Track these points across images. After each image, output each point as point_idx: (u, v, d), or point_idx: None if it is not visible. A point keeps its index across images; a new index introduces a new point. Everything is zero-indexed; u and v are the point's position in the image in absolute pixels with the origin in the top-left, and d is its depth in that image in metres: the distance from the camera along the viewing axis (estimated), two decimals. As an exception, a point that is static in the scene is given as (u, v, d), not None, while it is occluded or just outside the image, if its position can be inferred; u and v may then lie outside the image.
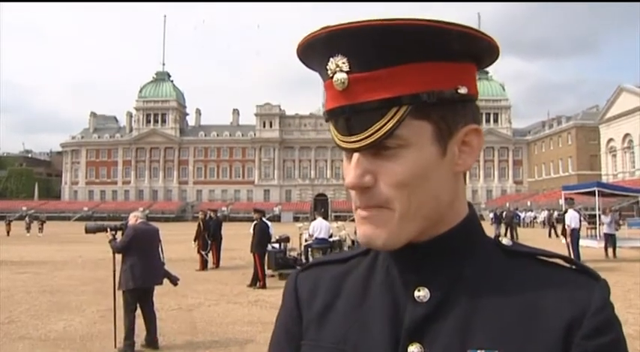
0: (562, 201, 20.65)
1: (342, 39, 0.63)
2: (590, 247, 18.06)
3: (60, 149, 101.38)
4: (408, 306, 0.70)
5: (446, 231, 0.71)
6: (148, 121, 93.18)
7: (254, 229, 11.66)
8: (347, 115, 0.66)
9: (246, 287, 11.00)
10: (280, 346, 0.81)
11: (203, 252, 14.52)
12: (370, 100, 0.64)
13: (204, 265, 14.39)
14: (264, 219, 11.97)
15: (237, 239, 19.29)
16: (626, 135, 64.15)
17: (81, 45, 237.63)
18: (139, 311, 6.31)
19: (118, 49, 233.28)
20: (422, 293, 0.69)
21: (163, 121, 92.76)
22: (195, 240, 14.88)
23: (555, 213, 31.57)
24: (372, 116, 0.64)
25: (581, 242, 14.59)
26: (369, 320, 0.72)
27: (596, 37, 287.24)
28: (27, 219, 38.86)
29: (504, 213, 28.01)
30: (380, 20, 0.62)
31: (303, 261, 12.70)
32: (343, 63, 0.64)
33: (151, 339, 6.32)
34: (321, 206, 62.13)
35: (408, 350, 0.67)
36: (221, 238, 15.39)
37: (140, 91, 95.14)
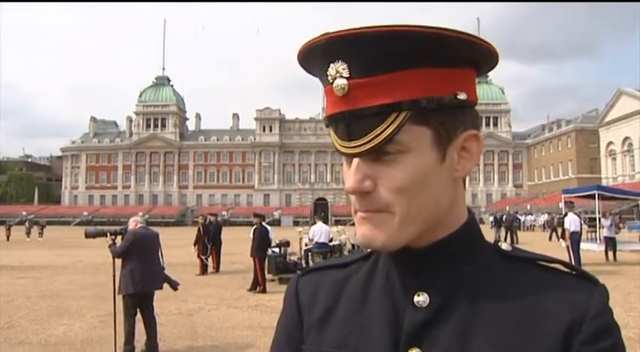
0: (562, 205, 20.63)
1: (341, 45, 0.64)
2: (591, 250, 18.05)
3: (60, 154, 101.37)
4: (408, 311, 0.70)
5: (445, 236, 0.71)
6: (148, 126, 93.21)
7: (254, 233, 11.65)
8: (347, 121, 0.66)
9: (247, 291, 10.99)
10: (281, 350, 0.81)
11: (203, 257, 14.50)
12: (370, 106, 0.64)
13: (204, 269, 14.37)
14: (263, 224, 11.97)
15: (237, 243, 19.28)
16: (626, 138, 64.18)
17: (81, 49, 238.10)
18: (139, 316, 6.30)
19: (117, 53, 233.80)
20: (421, 298, 0.69)
21: (163, 126, 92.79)
22: (195, 245, 14.87)
23: (557, 217, 31.56)
24: (372, 121, 0.65)
25: (582, 245, 14.57)
26: (369, 325, 0.72)
27: (596, 41, 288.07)
28: (27, 223, 38.85)
29: (504, 217, 27.98)
30: (379, 26, 0.62)
31: (304, 265, 12.69)
32: (343, 69, 0.65)
33: (151, 344, 6.31)
34: (321, 210, 62.11)
35: None
36: (221, 242, 15.38)
37: (140, 96, 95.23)
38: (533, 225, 49.37)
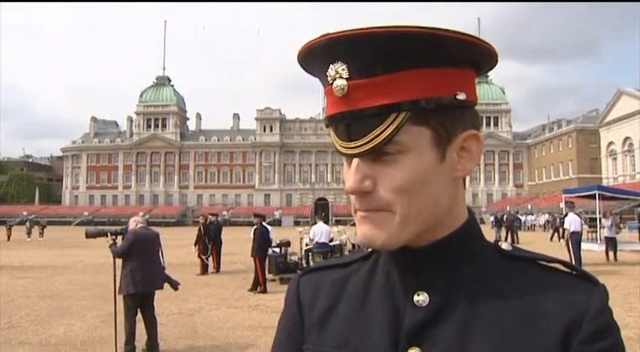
0: (563, 205, 20.61)
1: (341, 46, 0.64)
2: (591, 250, 18.04)
3: (60, 154, 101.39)
4: (408, 310, 0.70)
5: (445, 235, 0.72)
6: (149, 126, 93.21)
7: (254, 233, 11.66)
8: (347, 121, 0.66)
9: (247, 291, 10.99)
10: (282, 349, 0.81)
11: (204, 257, 14.51)
12: (369, 106, 0.65)
13: (204, 269, 14.38)
14: (264, 224, 11.98)
15: (237, 243, 19.29)
16: (627, 138, 64.13)
17: (81, 49, 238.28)
18: (139, 316, 6.31)
19: (118, 53, 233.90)
20: (421, 298, 0.70)
21: (164, 126, 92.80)
22: (195, 245, 14.88)
23: (559, 217, 31.52)
24: (372, 122, 0.65)
25: (582, 245, 14.57)
26: (370, 325, 0.72)
27: (596, 41, 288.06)
28: (28, 223, 38.91)
29: (505, 217, 27.98)
30: (379, 27, 0.62)
31: (304, 265, 12.69)
32: (343, 69, 0.65)
33: (152, 344, 6.31)
34: (321, 210, 62.09)
35: None
36: (221, 242, 15.38)
37: (141, 96, 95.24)
38: (534, 225, 49.37)
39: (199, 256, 14.60)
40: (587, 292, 0.67)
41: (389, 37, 0.62)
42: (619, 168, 66.26)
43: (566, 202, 17.67)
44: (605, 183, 57.78)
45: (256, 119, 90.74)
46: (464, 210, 0.74)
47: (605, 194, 20.40)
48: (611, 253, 16.54)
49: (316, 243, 12.84)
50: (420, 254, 0.71)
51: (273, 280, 12.06)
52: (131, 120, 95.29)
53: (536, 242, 25.25)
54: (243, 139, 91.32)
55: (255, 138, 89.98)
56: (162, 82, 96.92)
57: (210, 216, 15.99)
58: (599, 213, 19.20)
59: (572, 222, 14.06)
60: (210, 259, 14.81)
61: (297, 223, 58.01)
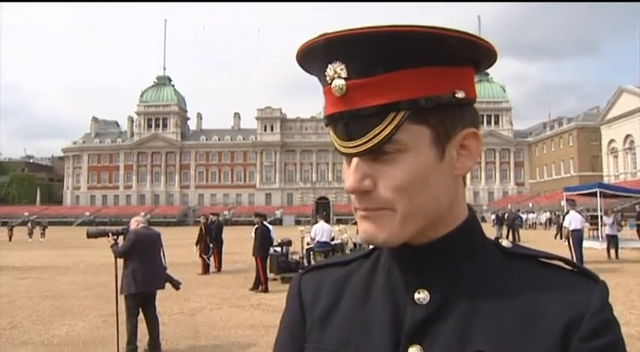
0: (564, 203, 20.60)
1: (339, 46, 0.64)
2: (593, 248, 18.03)
3: (61, 154, 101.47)
4: (409, 308, 0.70)
5: (446, 233, 0.72)
6: (150, 126, 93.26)
7: (255, 233, 11.67)
8: (346, 121, 0.66)
9: (249, 290, 11.00)
10: (284, 348, 0.81)
11: (205, 256, 14.52)
12: (368, 106, 0.65)
13: (206, 269, 14.39)
14: (265, 223, 11.98)
15: (238, 243, 19.30)
16: (628, 136, 64.06)
17: (81, 49, 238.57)
18: (141, 316, 6.31)
19: (118, 53, 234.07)
20: (422, 296, 0.70)
21: (165, 126, 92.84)
22: (197, 244, 14.89)
23: (563, 215, 31.44)
24: (371, 121, 0.65)
25: (584, 243, 14.56)
26: (371, 323, 0.73)
27: (597, 39, 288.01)
28: (29, 224, 38.95)
29: (506, 215, 27.97)
30: (377, 27, 0.62)
31: (305, 264, 12.69)
32: (341, 69, 0.65)
33: (154, 344, 6.32)
34: (322, 209, 62.14)
35: (408, 351, 0.68)
36: (222, 242, 15.38)
37: (141, 96, 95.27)
38: (535, 223, 49.36)
39: (201, 256, 14.61)
40: (588, 289, 0.67)
41: (387, 36, 0.62)
42: (620, 165, 66.21)
43: (567, 200, 17.66)
44: (606, 180, 57.71)
45: (257, 118, 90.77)
46: (464, 207, 0.74)
47: (606, 192, 20.37)
48: (612, 251, 16.53)
49: (317, 242, 12.85)
50: (420, 252, 0.71)
51: (274, 279, 12.07)
52: (132, 120, 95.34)
53: (538, 240, 25.23)
54: (244, 139, 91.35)
55: (256, 138, 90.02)
56: (163, 81, 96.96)
57: (212, 216, 15.99)
58: (601, 210, 19.17)
59: (572, 220, 14.06)
60: (212, 259, 14.82)
61: (298, 222, 57.99)
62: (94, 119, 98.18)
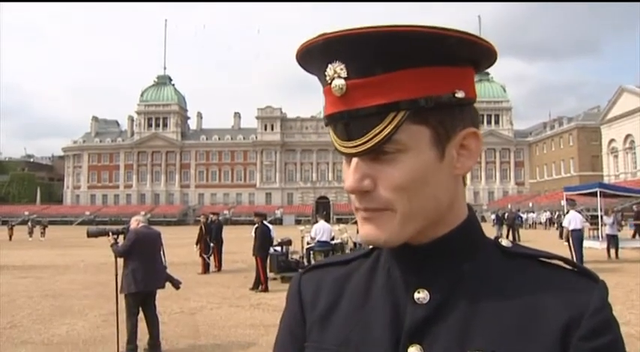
0: (564, 203, 20.58)
1: (339, 46, 0.64)
2: (593, 248, 18.02)
3: (62, 153, 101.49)
4: (409, 308, 0.70)
5: (446, 232, 0.72)
6: (150, 125, 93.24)
7: (255, 232, 11.67)
8: (346, 121, 0.66)
9: (249, 290, 11.00)
10: (284, 348, 0.81)
11: (205, 256, 14.52)
12: (368, 106, 0.65)
13: (206, 268, 14.39)
14: (265, 222, 11.98)
15: (238, 242, 19.29)
16: (628, 135, 64.02)
17: (81, 49, 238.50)
18: (141, 315, 6.31)
19: (118, 53, 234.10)
20: (422, 295, 0.70)
21: (165, 125, 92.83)
22: (197, 244, 14.90)
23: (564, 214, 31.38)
24: (371, 121, 0.65)
25: (584, 243, 14.56)
26: (371, 322, 0.73)
27: (597, 39, 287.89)
28: (29, 223, 38.97)
29: (506, 215, 27.96)
30: (377, 27, 0.62)
31: (305, 263, 12.69)
32: (341, 69, 0.65)
33: (154, 343, 6.32)
34: (322, 209, 61.98)
35: (408, 351, 0.68)
36: (222, 241, 15.38)
37: (141, 95, 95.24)
38: (535, 223, 49.35)
39: (201, 255, 14.62)
40: (587, 289, 0.67)
41: (387, 36, 0.62)
42: (620, 165, 66.19)
43: (567, 200, 17.65)
44: (606, 180, 57.69)
45: (257, 118, 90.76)
46: (464, 207, 0.74)
47: (606, 191, 20.35)
48: (612, 251, 16.54)
49: (317, 241, 12.86)
50: (420, 251, 0.71)
51: (274, 279, 12.07)
52: (132, 120, 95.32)
53: (538, 240, 25.22)
54: (244, 138, 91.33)
55: (256, 137, 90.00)
56: (163, 81, 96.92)
57: (212, 215, 15.99)
58: (601, 210, 19.17)
59: (572, 220, 14.06)
60: (212, 258, 14.82)
61: (298, 222, 58.00)
62: (95, 118, 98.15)
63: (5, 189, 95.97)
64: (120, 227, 6.70)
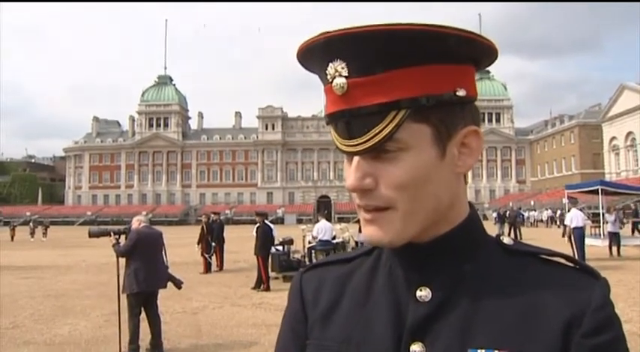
0: (565, 200, 20.57)
1: (340, 44, 0.64)
2: (595, 246, 18.00)
3: (63, 154, 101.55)
4: (410, 306, 0.70)
5: (448, 230, 0.72)
6: (151, 125, 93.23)
7: (257, 232, 11.67)
8: (347, 119, 0.67)
9: (250, 289, 11.01)
10: (286, 346, 0.82)
11: (207, 255, 14.54)
12: (369, 104, 0.65)
13: (207, 268, 14.40)
14: (266, 222, 11.99)
15: (240, 241, 19.30)
16: (629, 133, 63.93)
17: (82, 49, 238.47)
18: (143, 315, 6.32)
19: (119, 53, 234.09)
20: (424, 293, 0.70)
21: (166, 125, 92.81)
22: (198, 243, 14.92)
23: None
24: (372, 120, 0.65)
25: (586, 241, 14.55)
26: (373, 320, 0.73)
27: (598, 36, 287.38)
28: (31, 224, 39.04)
29: (508, 213, 27.95)
30: (378, 26, 0.62)
31: (307, 263, 12.69)
32: (342, 68, 0.65)
33: (156, 343, 6.33)
34: (324, 208, 61.67)
35: (410, 349, 0.68)
36: (224, 241, 15.39)
37: (142, 95, 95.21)
38: (537, 221, 49.32)
39: (202, 255, 14.63)
40: (589, 286, 0.67)
41: (388, 35, 0.62)
42: (622, 163, 66.11)
43: (569, 198, 17.65)
44: (607, 178, 57.53)
45: (258, 117, 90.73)
46: (465, 205, 0.74)
47: (608, 189, 20.29)
48: (614, 248, 16.54)
49: (319, 240, 12.85)
50: (422, 249, 0.72)
51: (276, 278, 12.08)
52: (133, 120, 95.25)
53: (540, 237, 25.19)
54: (245, 138, 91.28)
55: (257, 137, 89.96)
56: (164, 81, 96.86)
57: (213, 215, 16.00)
58: (602, 208, 19.14)
59: (573, 218, 14.05)
60: (214, 258, 14.83)
61: (299, 221, 58.09)
62: (95, 119, 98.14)
63: (7, 190, 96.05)
64: (121, 227, 6.71)
